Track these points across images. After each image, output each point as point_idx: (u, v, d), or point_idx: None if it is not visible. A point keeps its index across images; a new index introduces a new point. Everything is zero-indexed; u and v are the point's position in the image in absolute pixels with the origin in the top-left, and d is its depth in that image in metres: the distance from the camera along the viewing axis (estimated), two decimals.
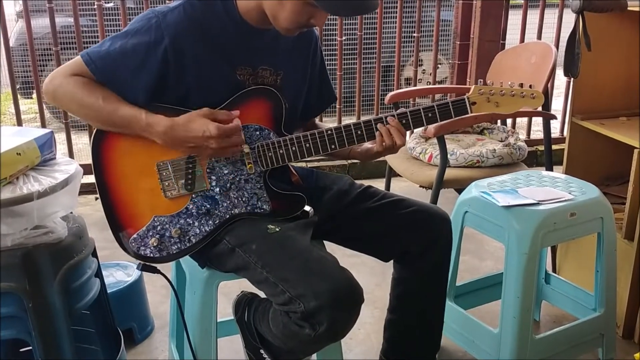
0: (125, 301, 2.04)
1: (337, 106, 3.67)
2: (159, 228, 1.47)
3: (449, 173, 2.37)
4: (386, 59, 4.07)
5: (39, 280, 1.49)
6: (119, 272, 2.14)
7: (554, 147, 2.60)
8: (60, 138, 3.37)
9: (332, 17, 3.11)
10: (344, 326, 1.33)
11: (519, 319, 1.73)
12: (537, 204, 1.74)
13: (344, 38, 3.55)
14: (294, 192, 1.53)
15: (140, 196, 1.48)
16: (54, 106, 3.66)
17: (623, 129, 2.15)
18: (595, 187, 1.88)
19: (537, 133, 4.05)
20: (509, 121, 3.75)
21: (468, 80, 3.75)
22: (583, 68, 2.12)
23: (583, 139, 2.31)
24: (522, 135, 3.74)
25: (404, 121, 1.47)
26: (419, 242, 1.61)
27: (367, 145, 1.54)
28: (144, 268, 1.50)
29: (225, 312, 1.92)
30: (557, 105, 4.13)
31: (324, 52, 1.67)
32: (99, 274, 1.74)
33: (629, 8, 2.11)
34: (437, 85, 3.91)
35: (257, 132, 1.47)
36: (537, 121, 3.95)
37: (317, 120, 1.77)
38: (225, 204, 1.48)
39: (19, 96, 3.33)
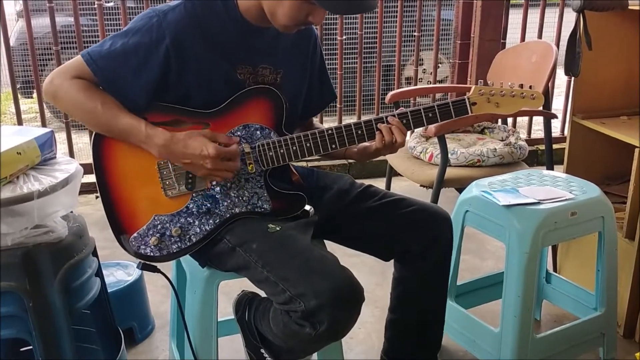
0: (125, 300, 2.04)
1: (338, 105, 3.67)
2: (159, 227, 1.47)
3: (450, 172, 2.37)
4: (387, 58, 4.07)
5: (39, 280, 1.49)
6: (120, 271, 2.14)
7: (555, 146, 2.60)
8: (61, 137, 3.37)
9: (332, 16, 3.12)
10: (344, 325, 1.33)
11: (519, 319, 1.73)
12: (538, 203, 1.74)
13: (344, 37, 3.55)
14: (295, 191, 1.53)
15: (141, 195, 1.48)
16: (54, 106, 3.66)
17: (624, 128, 2.15)
18: (596, 186, 1.87)
19: (538, 132, 4.05)
20: (509, 120, 3.75)
21: (469, 79, 3.75)
22: (584, 67, 2.12)
23: (584, 138, 2.31)
24: (523, 135, 3.74)
25: (404, 121, 1.47)
26: (419, 242, 1.61)
27: (365, 143, 1.54)
28: (144, 267, 1.50)
29: (225, 311, 1.92)
30: (557, 104, 4.13)
31: (324, 52, 1.67)
32: (99, 273, 1.74)
33: (629, 7, 2.11)
34: (437, 85, 3.91)
35: (258, 132, 1.47)
36: (538, 120, 3.95)
37: (314, 120, 1.77)
38: (225, 203, 1.48)
39: (19, 96, 3.33)
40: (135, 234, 1.47)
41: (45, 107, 3.38)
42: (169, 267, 1.70)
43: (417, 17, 3.63)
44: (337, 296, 1.29)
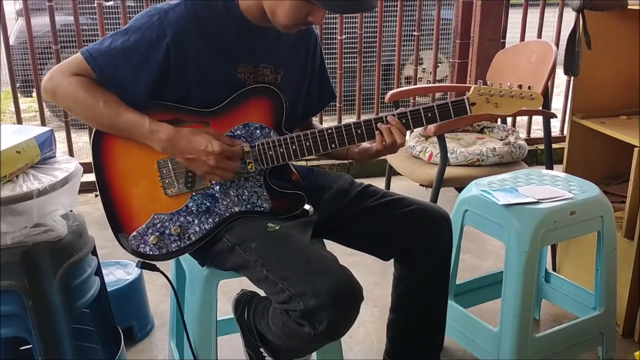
0: (125, 300, 2.04)
1: (337, 105, 3.67)
2: (158, 226, 1.47)
3: (449, 172, 2.37)
4: (386, 58, 4.07)
5: (39, 279, 1.49)
6: (119, 270, 2.14)
7: (554, 145, 2.60)
8: (60, 136, 3.37)
9: (332, 15, 3.11)
10: (343, 325, 1.33)
11: (519, 318, 1.73)
12: (537, 202, 1.74)
13: (344, 36, 3.55)
14: (294, 190, 1.53)
15: (140, 194, 1.48)
16: (53, 104, 3.66)
17: (623, 128, 2.15)
18: (595, 185, 1.87)
19: (537, 132, 4.05)
20: (509, 120, 3.75)
21: (468, 79, 3.75)
22: (583, 67, 2.12)
23: (583, 138, 2.31)
24: (522, 134, 3.74)
25: (403, 121, 1.47)
26: (419, 241, 1.61)
27: (365, 144, 1.54)
28: (143, 266, 1.50)
29: (225, 310, 1.92)
30: (557, 104, 4.14)
31: (324, 51, 1.67)
32: (98, 273, 1.74)
33: (629, 6, 2.11)
34: (437, 84, 3.91)
35: (258, 131, 1.47)
36: (537, 120, 3.95)
37: (313, 120, 1.77)
38: (225, 202, 1.48)
39: (18, 95, 3.33)
40: (134, 233, 1.47)
41: (44, 106, 3.38)
42: (168, 266, 1.70)
43: (417, 17, 3.63)
44: (336, 295, 1.29)
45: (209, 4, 1.44)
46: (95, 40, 1.49)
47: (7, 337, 1.66)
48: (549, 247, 2.34)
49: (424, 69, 4.66)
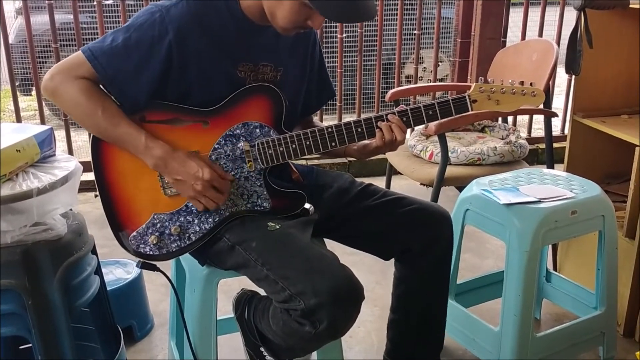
0: (124, 299, 2.03)
1: (338, 104, 3.67)
2: (158, 225, 1.47)
3: (450, 171, 2.37)
4: (387, 57, 4.06)
5: (38, 278, 1.49)
6: (119, 269, 2.14)
7: (555, 145, 2.60)
8: (60, 135, 3.36)
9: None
10: (344, 324, 1.33)
11: (519, 317, 1.73)
12: (539, 202, 1.74)
13: (344, 35, 3.55)
14: (294, 189, 1.53)
15: (140, 193, 1.47)
16: (53, 103, 3.66)
17: (624, 127, 2.15)
18: (596, 185, 1.87)
19: (538, 131, 4.05)
20: (510, 119, 3.74)
21: (469, 78, 3.75)
22: (584, 66, 2.12)
23: (584, 137, 2.31)
24: (523, 133, 3.74)
25: (404, 119, 1.47)
26: (419, 241, 1.60)
27: (365, 141, 1.53)
28: (143, 266, 1.50)
29: (225, 309, 1.91)
30: (558, 103, 4.13)
31: (324, 50, 1.67)
32: (98, 272, 1.74)
33: (630, 5, 2.11)
34: (437, 83, 3.90)
35: (258, 130, 1.47)
36: (538, 119, 3.95)
37: (314, 118, 1.77)
38: (225, 202, 1.48)
39: (18, 93, 3.33)
40: (134, 233, 1.47)
41: (44, 104, 3.38)
42: (168, 265, 1.70)
43: (418, 15, 3.63)
44: (336, 295, 1.29)
45: (210, 3, 1.43)
46: (94, 38, 1.48)
47: (7, 336, 1.66)
48: (550, 246, 2.33)
49: (424, 68, 4.65)
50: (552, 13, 3.72)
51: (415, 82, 3.79)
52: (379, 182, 1.90)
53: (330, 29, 3.79)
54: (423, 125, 2.05)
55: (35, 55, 3.20)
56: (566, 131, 2.64)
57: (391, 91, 2.64)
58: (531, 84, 1.48)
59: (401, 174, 2.62)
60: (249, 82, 1.47)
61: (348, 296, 1.31)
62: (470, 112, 1.47)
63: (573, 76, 2.30)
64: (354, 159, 2.62)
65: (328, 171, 1.74)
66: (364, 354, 2.05)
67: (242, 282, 1.55)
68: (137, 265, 1.50)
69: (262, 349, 1.55)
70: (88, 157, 1.48)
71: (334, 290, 1.29)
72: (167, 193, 1.47)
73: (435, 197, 2.31)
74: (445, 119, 1.48)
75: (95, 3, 3.16)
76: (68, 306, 1.55)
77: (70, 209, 1.62)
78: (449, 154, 2.41)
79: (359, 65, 3.62)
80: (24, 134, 1.56)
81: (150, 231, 1.47)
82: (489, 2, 3.55)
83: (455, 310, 1.93)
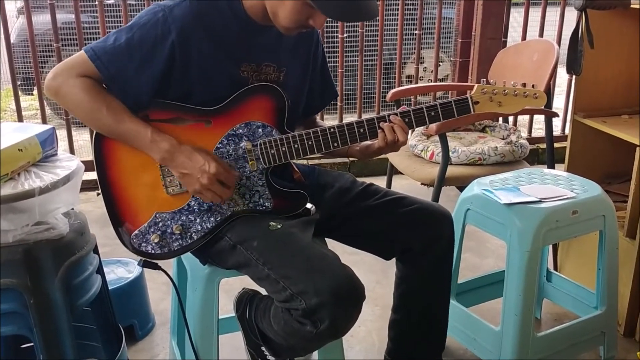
0: (126, 298, 2.04)
1: (339, 104, 3.67)
2: (160, 224, 1.47)
3: (451, 171, 2.37)
4: (387, 57, 4.07)
5: (40, 277, 1.49)
6: (120, 268, 2.14)
7: (556, 145, 2.60)
8: (61, 135, 3.36)
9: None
10: (345, 323, 1.33)
11: (520, 317, 1.73)
12: (539, 201, 1.74)
13: (345, 35, 3.55)
14: (296, 189, 1.53)
15: (142, 192, 1.48)
16: (55, 102, 3.66)
17: (625, 127, 2.15)
18: (597, 185, 1.87)
19: (539, 131, 4.05)
20: (510, 119, 3.74)
21: (470, 78, 3.75)
22: (585, 66, 2.12)
23: (585, 137, 2.31)
24: (524, 133, 3.74)
25: (406, 119, 1.47)
26: (420, 240, 1.61)
27: (367, 142, 1.53)
28: (145, 264, 1.50)
29: (226, 309, 1.92)
30: (559, 103, 4.14)
31: (325, 50, 1.67)
32: (100, 271, 1.74)
33: (631, 6, 2.11)
34: (438, 83, 3.90)
35: (260, 129, 1.47)
36: (539, 119, 3.95)
37: (317, 118, 1.77)
38: (227, 201, 1.48)
39: (19, 93, 3.33)
40: (136, 232, 1.47)
41: (45, 104, 3.38)
42: (169, 264, 1.70)
43: (418, 15, 3.63)
44: (337, 294, 1.29)
45: (213, 3, 1.43)
46: (96, 38, 1.49)
47: (8, 335, 1.66)
48: (551, 246, 2.33)
49: (425, 67, 4.65)
50: (553, 13, 3.72)
51: (416, 82, 3.79)
52: (380, 182, 1.90)
53: (331, 29, 3.79)
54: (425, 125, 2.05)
55: (37, 54, 3.20)
56: (567, 131, 2.64)
57: (392, 91, 2.64)
58: (533, 86, 1.48)
59: (402, 173, 2.62)
60: (251, 82, 1.48)
61: (349, 296, 1.31)
62: (472, 113, 1.47)
63: (574, 76, 2.30)
64: (355, 159, 2.62)
65: (329, 171, 1.74)
66: (364, 354, 2.05)
67: (244, 282, 1.56)
68: (138, 264, 1.50)
69: (263, 348, 1.55)
70: (89, 157, 1.49)
71: (335, 290, 1.29)
72: (169, 192, 1.47)
73: (436, 197, 2.31)
74: (447, 120, 1.48)
75: (96, 2, 3.16)
76: (69, 305, 1.55)
77: (72, 208, 1.63)
78: (450, 153, 2.42)
79: (360, 65, 3.62)
80: (26, 133, 1.57)
81: (152, 230, 1.47)
82: (489, 2, 3.56)
83: (456, 309, 1.93)
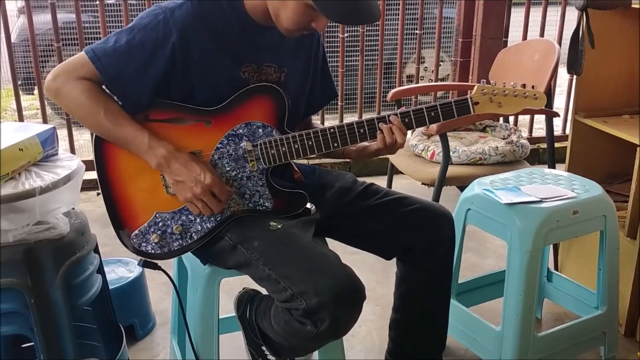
0: (126, 297, 2.04)
1: (339, 103, 3.67)
2: (160, 224, 1.47)
3: (452, 170, 2.37)
4: (388, 56, 4.06)
5: (41, 276, 1.49)
6: (121, 268, 2.14)
7: (557, 144, 2.60)
8: (62, 134, 3.36)
9: None
10: (345, 323, 1.33)
11: (521, 317, 1.73)
12: (540, 201, 1.74)
13: (345, 35, 3.55)
14: (296, 189, 1.53)
15: (142, 192, 1.48)
16: (55, 103, 3.66)
17: (626, 127, 2.15)
18: (598, 185, 1.87)
19: (540, 131, 4.05)
20: (511, 119, 3.73)
21: (470, 77, 3.75)
22: (586, 65, 2.11)
23: (586, 137, 2.30)
24: (525, 133, 3.74)
25: (406, 120, 1.47)
26: (421, 240, 1.61)
27: (365, 143, 1.53)
28: (145, 264, 1.50)
29: (226, 308, 1.91)
30: (559, 102, 4.14)
31: (326, 49, 1.67)
32: (100, 270, 1.74)
33: (632, 5, 2.11)
34: (439, 83, 3.90)
35: (260, 130, 1.47)
36: (540, 119, 3.95)
37: (313, 118, 1.77)
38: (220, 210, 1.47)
39: (20, 92, 3.33)
40: (136, 231, 1.47)
41: (46, 103, 3.38)
42: (170, 264, 1.70)
43: (419, 15, 3.63)
44: (338, 294, 1.29)
45: (215, 3, 1.43)
46: (97, 38, 1.49)
47: (9, 334, 1.67)
48: (551, 246, 2.33)
49: (425, 67, 4.65)
50: (554, 13, 3.72)
51: (417, 82, 3.79)
52: (381, 182, 1.90)
53: (331, 28, 3.79)
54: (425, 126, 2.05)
55: (38, 54, 3.20)
56: (567, 131, 2.64)
57: (392, 91, 2.64)
58: (533, 87, 1.48)
59: (403, 173, 2.62)
60: (252, 83, 1.48)
61: (350, 296, 1.31)
62: (472, 114, 1.47)
63: (575, 76, 2.30)
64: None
65: (330, 171, 1.74)
66: (365, 354, 2.05)
67: (244, 281, 1.56)
68: (138, 264, 1.50)
69: (263, 348, 1.55)
70: (90, 156, 1.49)
71: (335, 290, 1.29)
72: (170, 192, 1.47)
73: (436, 197, 2.31)
74: (447, 120, 1.48)
75: (97, 2, 3.16)
76: (70, 305, 1.55)
77: (73, 208, 1.63)
78: (451, 153, 2.42)
79: (361, 64, 3.62)
80: (26, 133, 1.57)
81: (152, 230, 1.47)
82: (490, 1, 3.55)
83: (457, 309, 1.93)
